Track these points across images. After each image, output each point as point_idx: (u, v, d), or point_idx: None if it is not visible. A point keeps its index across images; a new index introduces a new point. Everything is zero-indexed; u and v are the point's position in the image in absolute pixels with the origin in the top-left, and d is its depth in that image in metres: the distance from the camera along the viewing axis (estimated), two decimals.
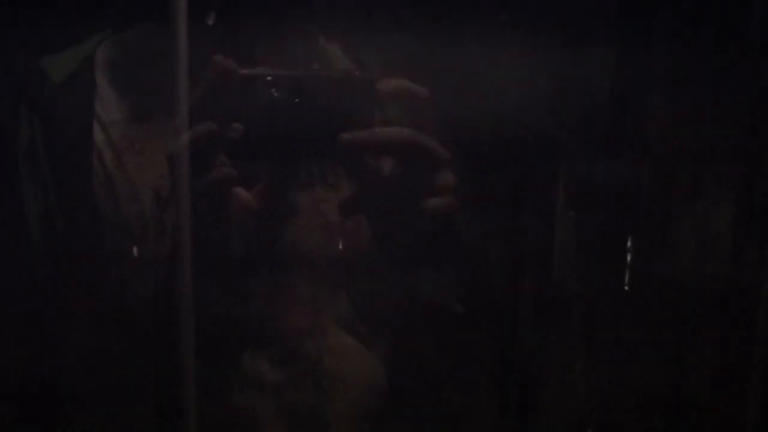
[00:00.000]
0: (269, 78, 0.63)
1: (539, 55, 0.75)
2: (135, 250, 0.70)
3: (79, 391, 0.69)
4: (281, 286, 0.71)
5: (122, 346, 0.69)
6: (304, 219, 0.71)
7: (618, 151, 0.80)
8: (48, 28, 0.69)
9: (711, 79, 0.77)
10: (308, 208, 0.71)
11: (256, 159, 0.65)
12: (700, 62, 0.76)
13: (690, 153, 0.80)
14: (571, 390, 0.79)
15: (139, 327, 0.68)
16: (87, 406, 0.69)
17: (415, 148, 0.64)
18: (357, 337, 0.72)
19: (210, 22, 0.68)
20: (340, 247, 0.72)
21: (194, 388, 0.63)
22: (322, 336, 0.71)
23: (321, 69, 0.67)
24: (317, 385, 0.71)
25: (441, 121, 0.66)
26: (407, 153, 0.65)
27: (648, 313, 0.79)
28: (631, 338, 0.78)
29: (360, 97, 0.64)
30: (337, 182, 0.72)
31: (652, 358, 0.78)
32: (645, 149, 0.81)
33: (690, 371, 0.79)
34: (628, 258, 0.79)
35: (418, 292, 0.72)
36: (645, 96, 0.80)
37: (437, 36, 0.73)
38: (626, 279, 0.79)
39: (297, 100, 0.64)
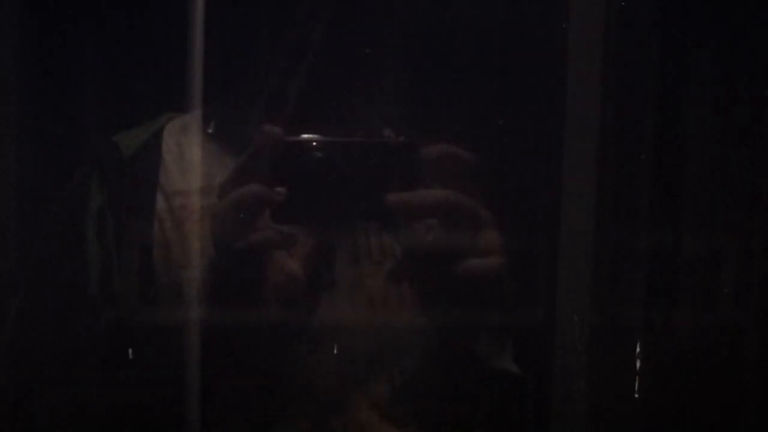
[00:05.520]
0: (314, 144, 0.65)
1: None
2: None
3: None
4: (316, 357, 0.70)
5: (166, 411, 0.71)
6: (347, 291, 0.71)
7: None
8: (122, 107, 0.75)
9: None
10: (352, 281, 0.71)
11: (299, 223, 0.67)
12: None
13: None
14: None
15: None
16: None
17: (458, 210, 0.65)
18: (390, 418, 0.70)
19: (210, 131, 0.73)
20: (382, 324, 0.72)
21: None
22: (354, 413, 0.70)
23: (366, 135, 0.69)
24: None
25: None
26: (450, 215, 0.65)
27: None
28: None
29: (404, 163, 0.65)
30: (384, 258, 0.72)
31: None
32: None
33: None
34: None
35: (472, 357, 0.71)
36: None
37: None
38: None
39: (341, 165, 0.65)
